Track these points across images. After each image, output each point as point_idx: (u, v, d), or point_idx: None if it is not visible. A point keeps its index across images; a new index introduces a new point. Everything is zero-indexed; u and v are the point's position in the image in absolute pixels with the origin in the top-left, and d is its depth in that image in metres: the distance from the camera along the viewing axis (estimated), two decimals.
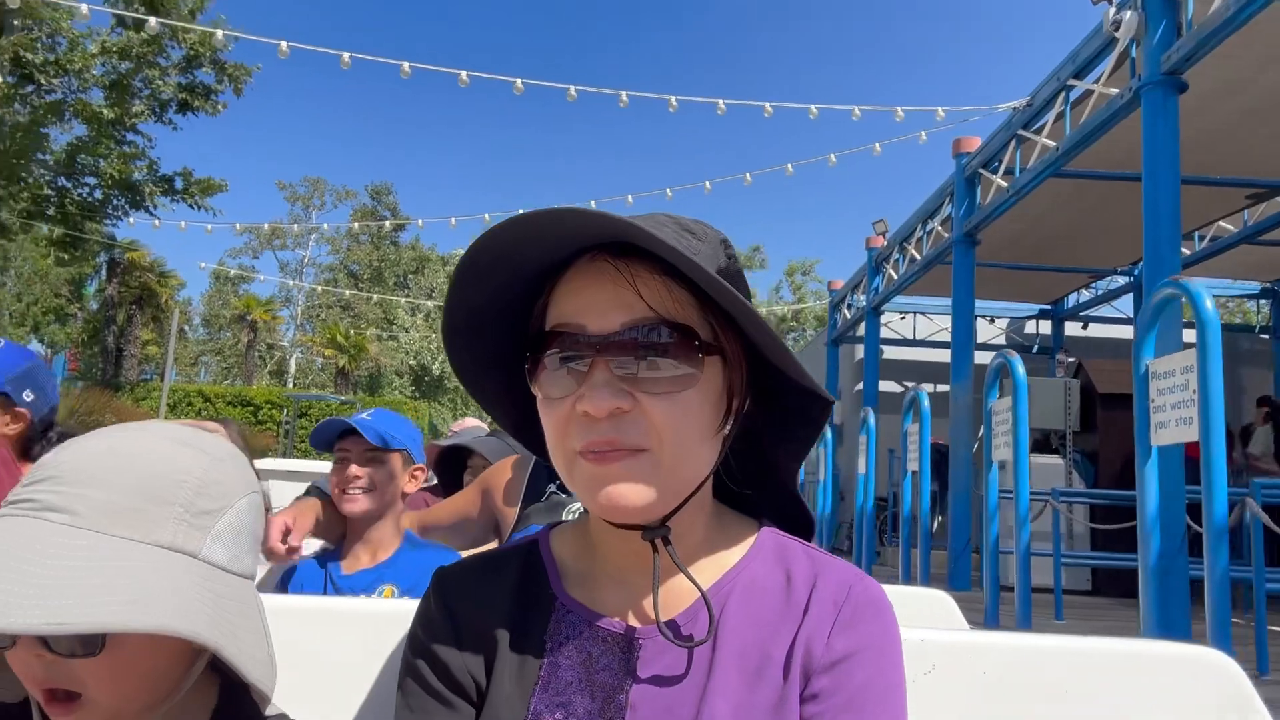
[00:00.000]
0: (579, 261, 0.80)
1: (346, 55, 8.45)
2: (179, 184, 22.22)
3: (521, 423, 0.92)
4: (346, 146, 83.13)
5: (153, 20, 11.89)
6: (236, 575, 0.82)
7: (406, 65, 8.56)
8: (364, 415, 2.21)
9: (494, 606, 0.86)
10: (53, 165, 21.05)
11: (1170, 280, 3.59)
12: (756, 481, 0.94)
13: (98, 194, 22.27)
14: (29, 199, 20.81)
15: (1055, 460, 9.18)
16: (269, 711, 0.86)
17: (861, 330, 13.01)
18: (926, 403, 7.17)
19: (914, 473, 7.29)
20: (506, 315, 0.86)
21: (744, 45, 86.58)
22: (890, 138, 10.33)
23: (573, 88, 8.52)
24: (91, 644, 0.75)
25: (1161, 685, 1.12)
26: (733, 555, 0.86)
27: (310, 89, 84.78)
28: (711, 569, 0.85)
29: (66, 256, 24.85)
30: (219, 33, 14.70)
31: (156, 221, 22.20)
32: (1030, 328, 15.09)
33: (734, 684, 0.77)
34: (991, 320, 15.03)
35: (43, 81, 19.58)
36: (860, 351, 13.35)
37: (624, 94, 8.50)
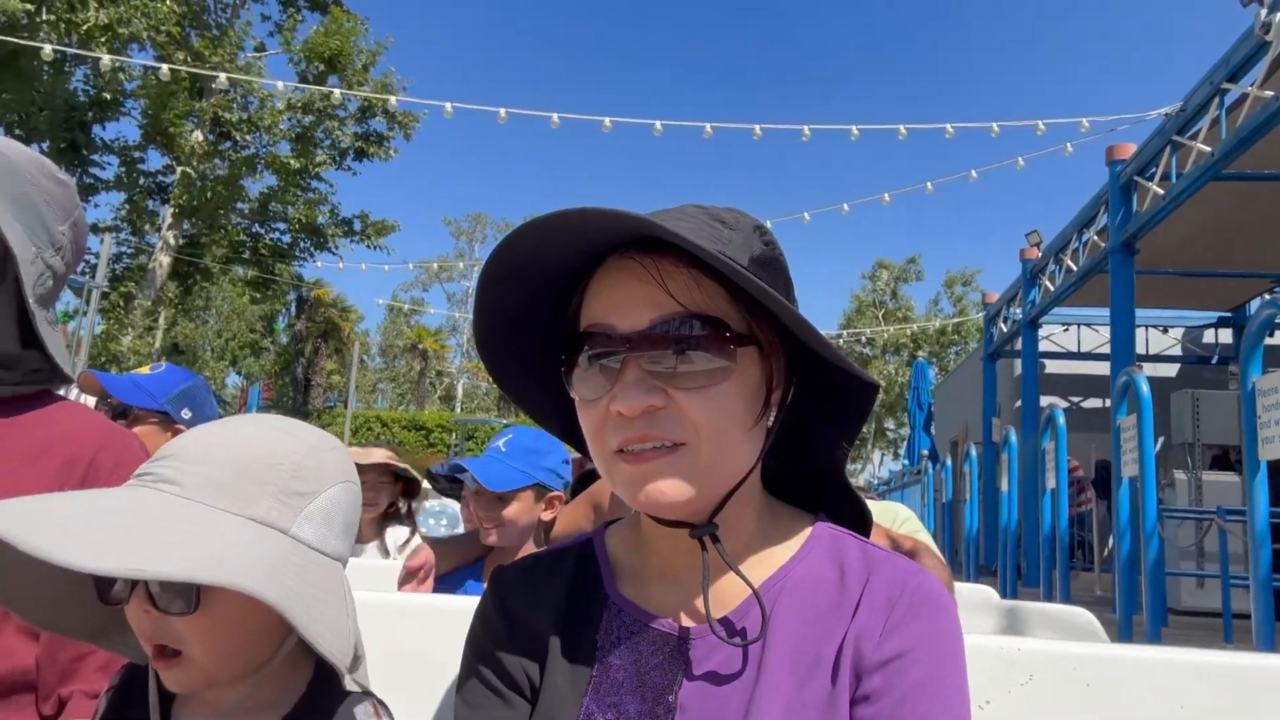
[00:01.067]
0: (608, 261, 0.81)
1: (503, 111, 9.37)
2: (357, 226, 24.32)
3: (568, 427, 0.92)
4: (505, 182, 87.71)
5: (336, 93, 13.32)
6: (324, 554, 0.87)
7: (555, 117, 9.41)
8: (499, 442, 2.28)
9: (548, 606, 0.87)
10: (248, 214, 23.54)
11: (1270, 300, 3.69)
12: (808, 475, 0.93)
13: (286, 238, 24.74)
14: (228, 245, 23.35)
15: (1232, 478, 8.84)
16: (352, 687, 0.89)
17: (1020, 344, 12.79)
18: (1062, 420, 7.19)
19: (1051, 491, 7.30)
20: (543, 319, 0.87)
21: (874, 71, 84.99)
22: (1034, 151, 10.25)
23: (709, 125, 9.08)
24: (187, 601, 0.81)
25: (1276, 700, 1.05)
26: (785, 551, 0.85)
27: (471, 132, 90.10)
28: (762, 566, 0.84)
29: (260, 296, 27.56)
30: (392, 99, 16.17)
31: (341, 264, 24.38)
32: (1209, 337, 14.32)
33: (784, 684, 0.76)
34: (1165, 330, 14.37)
35: (238, 138, 22.02)
36: (1019, 366, 13.10)
37: (757, 127, 8.98)
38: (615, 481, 0.80)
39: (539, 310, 0.86)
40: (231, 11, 21.41)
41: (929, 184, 10.95)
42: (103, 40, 15.93)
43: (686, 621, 0.83)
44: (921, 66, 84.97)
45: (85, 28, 15.57)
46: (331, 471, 0.90)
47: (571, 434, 0.92)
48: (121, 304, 20.77)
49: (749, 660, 0.78)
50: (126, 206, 22.11)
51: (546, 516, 2.29)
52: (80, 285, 11.60)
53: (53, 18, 15.41)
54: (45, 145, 19.62)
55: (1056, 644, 1.14)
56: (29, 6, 14.56)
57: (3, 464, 1.22)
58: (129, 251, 22.90)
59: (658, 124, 9.43)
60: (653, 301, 0.77)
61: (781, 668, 0.77)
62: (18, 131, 18.65)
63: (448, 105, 9.68)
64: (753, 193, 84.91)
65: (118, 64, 15.15)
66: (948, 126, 9.73)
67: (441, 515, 4.77)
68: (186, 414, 2.39)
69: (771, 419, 0.82)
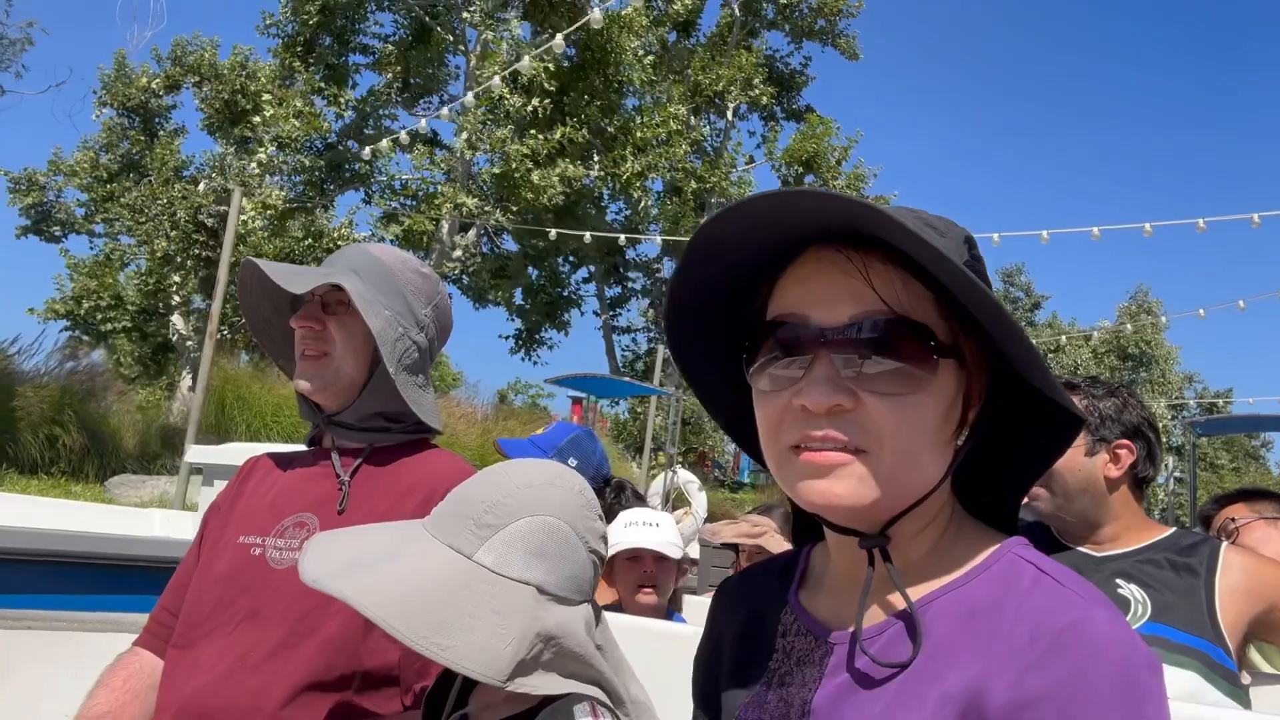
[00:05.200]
0: (809, 250, 0.79)
1: (996, 237, 10.91)
2: None
3: (735, 417, 0.91)
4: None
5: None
6: (502, 576, 1.02)
7: (1096, 230, 10.89)
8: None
9: (748, 608, 0.94)
10: None
11: None
12: (1007, 496, 0.87)
13: None
14: None
15: None
16: (568, 690, 1.00)
17: None
18: None
19: None
20: (732, 302, 0.85)
21: None
22: None
23: (1255, 216, 9.82)
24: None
25: None
26: (954, 572, 0.79)
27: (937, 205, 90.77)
28: (927, 584, 0.80)
29: None
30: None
31: None
32: None
33: (908, 711, 0.73)
34: None
35: None
36: None
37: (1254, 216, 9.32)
38: (784, 477, 0.79)
39: (734, 292, 0.85)
40: (724, 135, 25.41)
41: None
42: (637, 185, 20.28)
43: (839, 629, 0.82)
44: None
45: (625, 177, 19.98)
46: (524, 507, 1.06)
47: (737, 424, 0.92)
48: None
49: (887, 678, 0.75)
50: (651, 310, 27.02)
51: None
52: (655, 393, 15.20)
53: (601, 173, 20.05)
54: (592, 268, 25.01)
55: None
56: (587, 171, 19.23)
57: (385, 496, 1.54)
58: (655, 348, 27.79)
59: (1201, 221, 10.28)
60: (855, 296, 0.75)
61: (909, 692, 0.74)
62: (571, 258, 24.13)
63: (995, 236, 11.42)
64: None
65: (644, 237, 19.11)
66: None
67: None
68: (573, 462, 2.65)
69: (964, 437, 0.79)
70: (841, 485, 0.75)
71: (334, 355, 1.56)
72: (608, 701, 1.04)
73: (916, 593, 0.79)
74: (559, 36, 9.71)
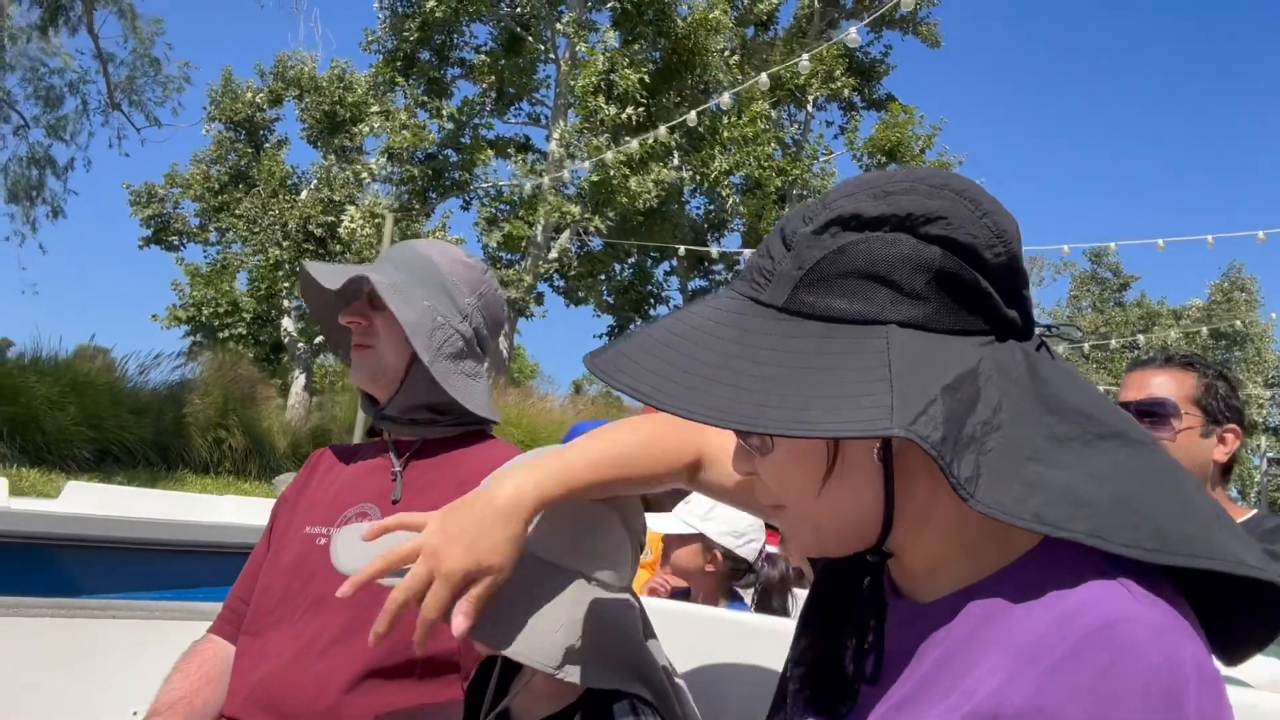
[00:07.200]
0: None
1: (1113, 245, 11.59)
2: None
3: None
4: (1054, 218, 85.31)
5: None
6: (548, 563, 1.05)
7: (1161, 241, 11.62)
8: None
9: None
10: None
11: None
12: None
13: None
14: None
15: None
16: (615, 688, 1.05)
17: None
18: None
19: None
20: None
21: None
22: None
23: (1261, 233, 10.56)
24: None
25: None
26: (984, 572, 0.75)
27: (1011, 199, 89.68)
28: (951, 583, 0.77)
29: None
30: None
31: None
32: None
33: (927, 708, 0.71)
34: None
35: None
36: None
37: None
38: None
39: None
40: (804, 127, 26.32)
41: None
42: (725, 182, 21.37)
43: (897, 610, 0.81)
44: None
45: (714, 175, 21.09)
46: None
47: None
48: None
49: (905, 675, 0.75)
50: None
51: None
52: None
53: (690, 172, 21.19)
54: (674, 262, 26.15)
55: None
56: (679, 173, 20.38)
57: (443, 488, 1.55)
58: None
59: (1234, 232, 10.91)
60: None
61: (929, 690, 0.72)
62: (653, 254, 25.26)
63: (1065, 247, 12.20)
64: None
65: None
66: None
67: None
68: None
69: (878, 453, 0.73)
70: (788, 542, 0.79)
71: (377, 348, 1.61)
72: (650, 698, 1.07)
73: (939, 590, 0.78)
74: (662, 129, 10.54)
